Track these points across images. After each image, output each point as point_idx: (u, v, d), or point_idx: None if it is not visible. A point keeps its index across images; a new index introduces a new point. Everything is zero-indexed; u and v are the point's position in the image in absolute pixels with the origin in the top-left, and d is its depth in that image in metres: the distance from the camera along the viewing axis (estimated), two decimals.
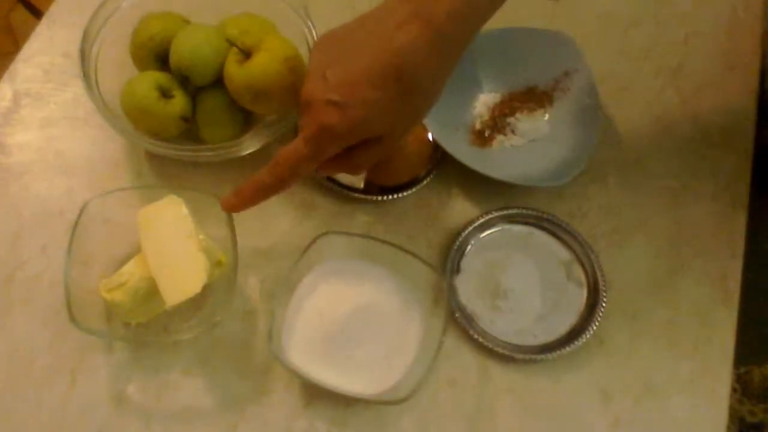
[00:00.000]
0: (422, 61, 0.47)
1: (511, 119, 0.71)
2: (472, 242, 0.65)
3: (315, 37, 0.67)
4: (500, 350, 0.60)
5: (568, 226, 0.65)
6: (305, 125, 0.50)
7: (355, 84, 0.48)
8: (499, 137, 0.71)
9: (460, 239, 0.64)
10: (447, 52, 0.48)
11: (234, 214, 0.59)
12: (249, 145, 0.65)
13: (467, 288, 0.63)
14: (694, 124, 0.73)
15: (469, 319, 0.61)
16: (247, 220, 0.65)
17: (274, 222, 0.66)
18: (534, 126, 0.71)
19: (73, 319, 0.54)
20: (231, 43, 0.63)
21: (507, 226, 0.66)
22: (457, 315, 0.61)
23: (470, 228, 0.65)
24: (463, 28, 0.48)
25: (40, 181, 0.67)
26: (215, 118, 0.66)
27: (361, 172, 0.52)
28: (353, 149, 0.51)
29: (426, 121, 0.67)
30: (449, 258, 0.63)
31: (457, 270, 0.64)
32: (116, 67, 0.66)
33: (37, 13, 1.73)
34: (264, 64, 0.61)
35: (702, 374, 0.61)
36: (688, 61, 0.77)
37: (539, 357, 0.60)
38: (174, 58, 0.63)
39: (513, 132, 0.71)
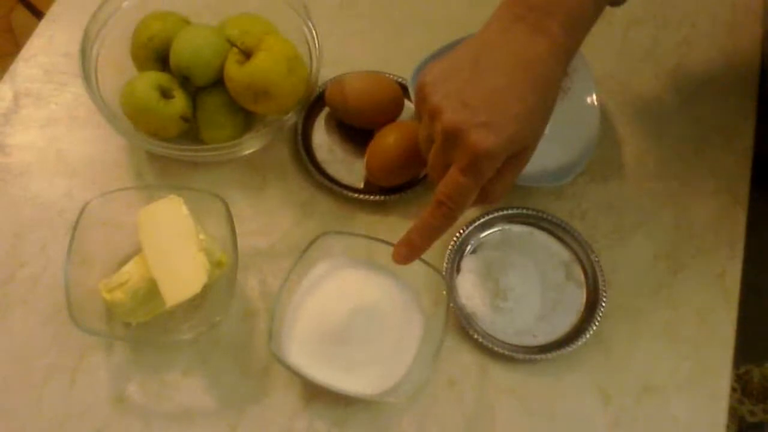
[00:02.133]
0: (549, 69, 0.51)
1: None
2: (472, 242, 0.65)
3: (315, 37, 0.67)
4: (500, 350, 0.60)
5: (567, 225, 0.65)
6: (457, 157, 0.50)
7: (500, 101, 0.49)
8: None
9: (460, 239, 0.64)
10: (564, 58, 0.52)
11: (234, 214, 0.59)
12: (249, 145, 0.66)
13: (467, 288, 0.63)
14: (694, 124, 0.73)
15: (469, 319, 0.61)
16: (247, 220, 0.65)
17: (274, 222, 0.66)
18: None
19: (73, 319, 0.54)
20: (231, 44, 0.63)
21: (507, 226, 0.66)
22: (457, 315, 0.61)
23: (470, 228, 0.65)
24: (575, 36, 0.52)
25: (40, 181, 0.67)
26: (215, 119, 0.66)
27: (504, 195, 0.54)
28: (499, 171, 0.51)
29: None
30: (449, 258, 0.63)
31: (457, 270, 0.64)
32: (116, 68, 0.67)
33: (38, 13, 1.73)
34: (264, 65, 0.61)
35: (701, 374, 0.61)
36: (688, 61, 0.77)
37: (539, 357, 0.60)
38: (174, 59, 0.63)
39: None
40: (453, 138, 0.50)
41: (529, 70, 0.50)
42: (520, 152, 0.51)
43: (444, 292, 0.58)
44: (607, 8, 0.54)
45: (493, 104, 0.49)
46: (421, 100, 0.53)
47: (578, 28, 0.52)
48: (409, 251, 0.55)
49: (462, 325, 0.61)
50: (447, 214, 0.52)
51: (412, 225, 0.54)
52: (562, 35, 0.50)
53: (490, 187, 0.52)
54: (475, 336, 0.60)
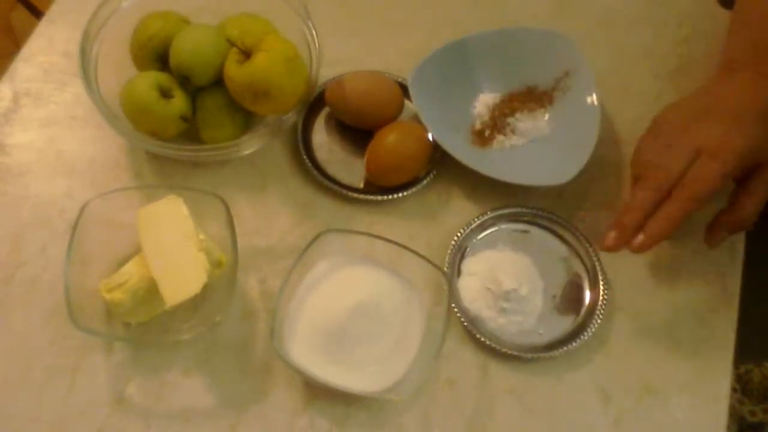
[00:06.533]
0: None
1: (511, 119, 0.71)
2: (472, 242, 0.65)
3: (315, 37, 0.67)
4: (501, 350, 0.60)
5: (568, 225, 0.65)
6: (703, 161, 0.58)
7: (741, 121, 0.59)
8: (499, 137, 0.71)
9: (460, 239, 0.64)
10: None
11: (234, 214, 0.59)
12: (249, 145, 0.66)
13: (468, 288, 0.63)
14: None
15: (471, 319, 0.61)
16: (247, 220, 0.65)
17: (274, 222, 0.66)
18: (534, 126, 0.71)
19: (73, 319, 0.54)
20: (231, 43, 0.63)
21: (507, 226, 0.66)
22: (458, 315, 0.61)
23: (470, 228, 0.65)
24: None
25: (40, 181, 0.67)
26: (215, 118, 0.66)
27: (757, 213, 0.61)
28: (746, 188, 0.60)
29: (426, 121, 0.67)
30: (449, 258, 0.63)
31: (457, 270, 0.64)
32: (116, 67, 0.66)
33: (37, 13, 1.72)
34: (264, 64, 0.61)
35: (702, 374, 0.61)
36: (688, 61, 0.77)
37: (540, 356, 0.60)
38: (174, 58, 0.63)
39: (513, 132, 0.71)
40: (700, 151, 0.58)
41: (759, 102, 0.59)
42: (761, 165, 0.59)
43: (445, 291, 0.58)
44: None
45: (736, 122, 0.58)
46: (658, 132, 0.62)
47: None
48: (655, 239, 0.59)
49: (464, 325, 0.61)
50: (693, 198, 0.58)
51: (650, 221, 0.58)
52: None
53: (744, 204, 0.60)
54: (478, 336, 0.60)
